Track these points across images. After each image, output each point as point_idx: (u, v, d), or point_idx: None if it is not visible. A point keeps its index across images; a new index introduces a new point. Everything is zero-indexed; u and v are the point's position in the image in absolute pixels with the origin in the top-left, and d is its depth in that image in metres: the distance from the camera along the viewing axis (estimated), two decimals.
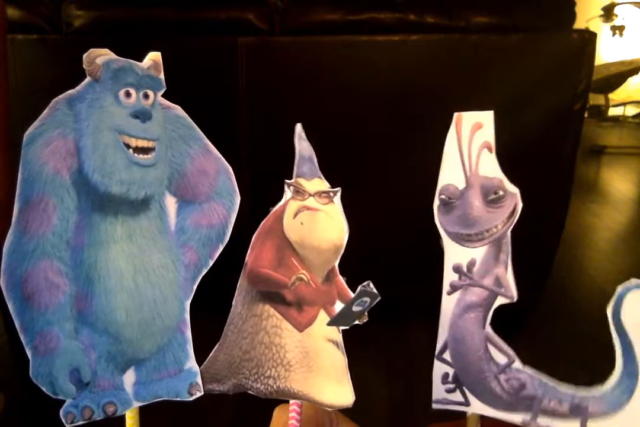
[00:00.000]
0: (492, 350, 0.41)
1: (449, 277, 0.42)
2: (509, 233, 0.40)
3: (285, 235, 0.41)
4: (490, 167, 0.40)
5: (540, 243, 1.23)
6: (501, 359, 0.41)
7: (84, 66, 0.36)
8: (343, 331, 0.42)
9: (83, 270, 0.38)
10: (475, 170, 0.40)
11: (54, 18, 1.20)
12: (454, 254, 0.42)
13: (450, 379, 0.43)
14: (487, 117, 0.40)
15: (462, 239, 0.41)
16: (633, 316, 0.35)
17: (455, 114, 0.40)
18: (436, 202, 0.42)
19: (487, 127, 0.40)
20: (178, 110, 0.40)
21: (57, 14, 1.19)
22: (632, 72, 3.85)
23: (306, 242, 0.41)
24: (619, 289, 0.35)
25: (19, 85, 1.12)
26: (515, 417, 0.40)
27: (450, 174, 0.41)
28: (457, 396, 0.43)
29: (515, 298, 0.40)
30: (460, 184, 0.41)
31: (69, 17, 1.19)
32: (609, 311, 0.35)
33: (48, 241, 0.37)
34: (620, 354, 0.36)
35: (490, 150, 0.40)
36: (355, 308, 0.39)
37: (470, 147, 0.40)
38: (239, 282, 0.42)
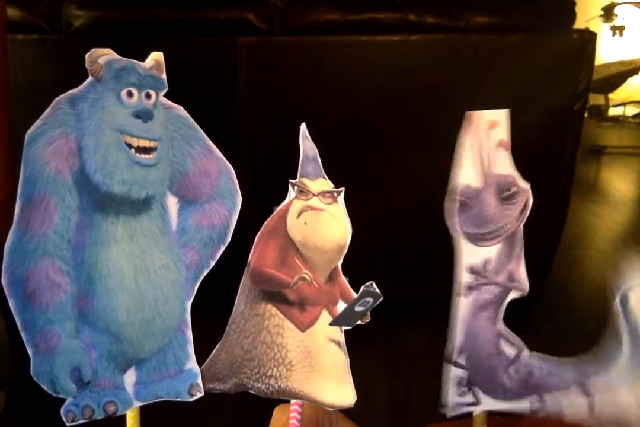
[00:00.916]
0: (503, 344, 0.41)
1: (464, 278, 0.42)
2: (521, 228, 0.40)
3: (289, 235, 0.41)
4: (504, 165, 0.40)
5: (540, 243, 1.23)
6: (511, 351, 0.41)
7: (86, 66, 0.36)
8: (343, 330, 0.42)
9: (84, 269, 0.38)
10: (492, 169, 0.40)
11: (54, 18, 1.20)
12: (469, 255, 0.41)
13: (464, 383, 0.43)
14: (502, 115, 0.40)
15: (477, 239, 0.41)
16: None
17: (470, 113, 0.40)
18: (455, 204, 0.41)
19: (503, 126, 0.40)
20: (180, 110, 0.40)
21: (57, 14, 1.19)
22: (632, 72, 3.85)
23: (309, 242, 0.41)
24: (628, 278, 0.37)
25: (19, 85, 1.12)
26: (523, 404, 0.41)
27: (465, 173, 0.41)
28: (468, 398, 0.43)
29: (527, 291, 0.40)
30: (475, 183, 0.41)
31: (69, 17, 1.19)
32: (617, 298, 0.37)
33: (49, 240, 0.37)
34: (627, 336, 0.37)
35: (505, 148, 0.40)
36: (357, 308, 0.39)
37: (486, 146, 0.40)
38: (242, 281, 0.42)
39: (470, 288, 0.42)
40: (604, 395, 0.38)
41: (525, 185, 0.40)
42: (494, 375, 0.41)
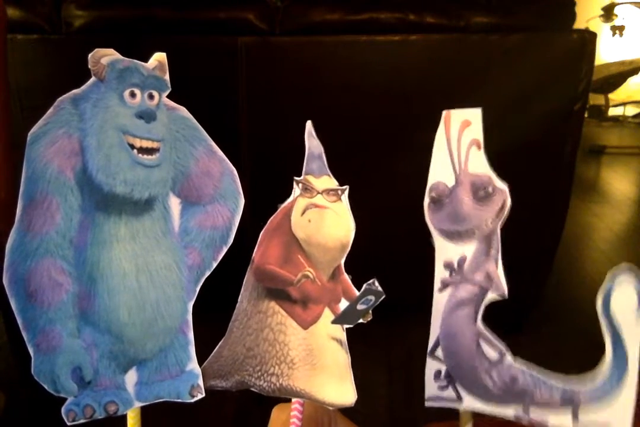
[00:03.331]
0: (484, 345, 0.41)
1: (440, 274, 0.42)
2: (498, 229, 0.40)
3: (293, 232, 0.41)
4: (479, 164, 0.40)
5: (540, 243, 1.23)
6: (493, 354, 0.41)
7: (89, 66, 0.36)
8: (345, 329, 0.42)
9: (86, 269, 0.38)
10: (465, 168, 0.40)
11: (54, 18, 1.19)
12: (445, 251, 0.42)
13: (442, 376, 0.43)
14: (475, 115, 0.40)
15: (453, 236, 0.41)
16: (621, 306, 0.36)
17: (444, 112, 0.40)
18: (426, 200, 0.42)
19: (476, 125, 0.40)
20: (183, 111, 0.40)
21: (57, 14, 1.19)
22: (632, 72, 3.85)
23: (313, 240, 0.41)
24: (607, 281, 0.36)
25: (19, 85, 1.12)
26: (508, 411, 0.41)
27: (440, 171, 0.41)
28: (449, 393, 0.43)
29: (506, 294, 0.40)
30: (450, 182, 0.41)
31: (69, 17, 1.19)
32: (599, 302, 0.36)
33: (51, 240, 0.37)
34: (609, 343, 0.36)
35: (478, 147, 0.40)
36: (359, 306, 0.39)
37: (459, 144, 0.40)
38: (245, 278, 0.42)
39: (446, 284, 0.42)
40: (588, 405, 0.38)
41: (502, 186, 0.40)
42: (476, 375, 0.41)
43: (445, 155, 0.41)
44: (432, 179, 0.42)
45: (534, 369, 0.40)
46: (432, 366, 0.44)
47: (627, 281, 0.35)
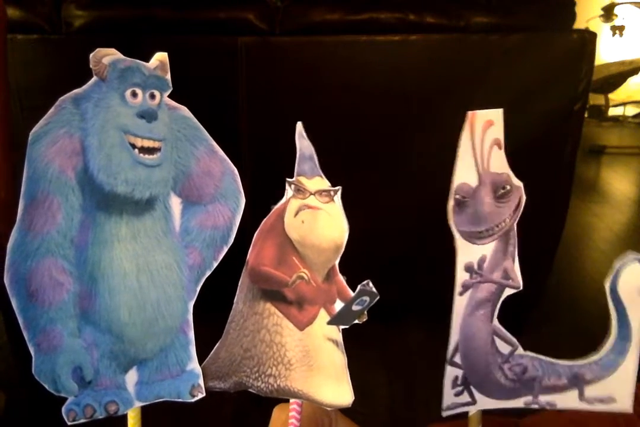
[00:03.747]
0: (497, 341, 0.41)
1: (461, 277, 0.42)
2: (514, 225, 0.41)
3: (286, 233, 0.41)
4: (499, 163, 0.41)
5: (540, 243, 1.23)
6: (505, 349, 0.41)
7: (91, 65, 0.36)
8: (342, 329, 0.42)
9: (87, 268, 0.38)
10: (487, 168, 0.41)
11: (54, 18, 1.20)
12: (466, 253, 0.42)
13: (459, 381, 0.43)
14: (497, 115, 0.40)
15: (473, 237, 0.41)
16: (628, 285, 0.39)
17: (469, 113, 0.40)
18: (451, 203, 0.42)
19: (498, 125, 0.40)
20: (184, 110, 0.40)
21: (57, 14, 1.19)
22: (632, 72, 3.85)
23: (307, 241, 0.41)
24: (617, 263, 0.38)
25: (19, 85, 1.12)
26: (518, 402, 0.41)
27: (464, 172, 0.41)
28: (464, 397, 0.43)
29: (521, 286, 0.41)
30: (473, 182, 0.41)
31: (69, 17, 1.19)
32: (607, 282, 0.39)
33: (52, 239, 0.37)
34: (615, 319, 0.39)
35: (499, 147, 0.40)
36: (355, 307, 0.39)
37: (482, 144, 0.40)
38: (240, 279, 0.42)
39: (466, 286, 0.42)
40: (592, 379, 0.40)
41: (518, 183, 0.41)
42: (489, 373, 0.41)
43: (470, 156, 0.41)
44: (457, 181, 0.42)
45: (543, 359, 0.41)
46: (451, 374, 0.43)
47: (634, 262, 0.38)
